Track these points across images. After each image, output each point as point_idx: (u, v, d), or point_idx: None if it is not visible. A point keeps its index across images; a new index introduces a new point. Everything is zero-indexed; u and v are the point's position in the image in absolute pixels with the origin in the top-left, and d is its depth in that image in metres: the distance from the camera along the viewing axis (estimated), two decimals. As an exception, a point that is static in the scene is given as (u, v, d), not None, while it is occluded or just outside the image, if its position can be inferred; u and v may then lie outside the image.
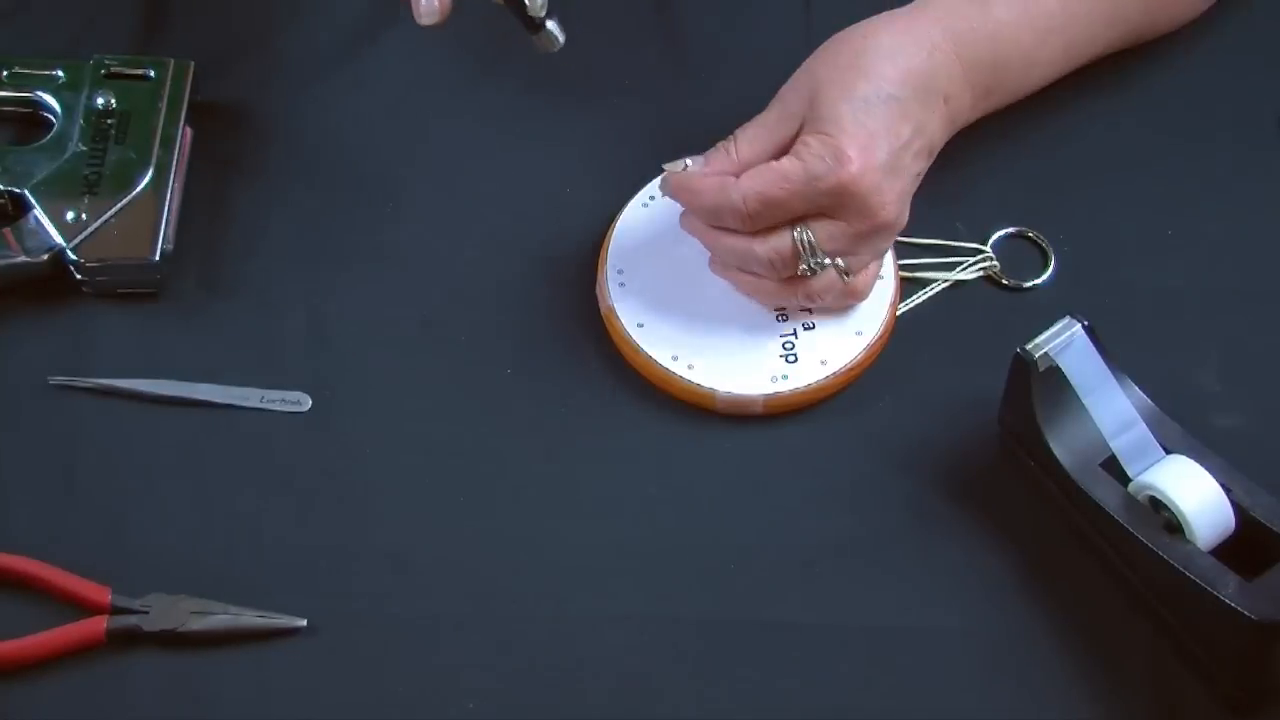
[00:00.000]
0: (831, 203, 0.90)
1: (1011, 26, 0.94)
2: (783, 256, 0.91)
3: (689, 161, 0.93)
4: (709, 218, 0.93)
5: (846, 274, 0.92)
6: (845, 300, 0.95)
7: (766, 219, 0.91)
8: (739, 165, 0.92)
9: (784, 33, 1.08)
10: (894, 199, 0.91)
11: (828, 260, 0.91)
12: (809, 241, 0.90)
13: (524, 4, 0.92)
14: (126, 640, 0.88)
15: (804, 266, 0.91)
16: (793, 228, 0.91)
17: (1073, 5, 0.96)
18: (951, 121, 0.94)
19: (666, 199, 1.00)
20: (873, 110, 0.90)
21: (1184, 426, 0.89)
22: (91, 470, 0.93)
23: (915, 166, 0.92)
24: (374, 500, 0.93)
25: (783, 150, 0.92)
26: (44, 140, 1.01)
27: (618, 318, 0.97)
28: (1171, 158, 1.03)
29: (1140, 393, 0.89)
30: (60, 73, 1.03)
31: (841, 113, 0.90)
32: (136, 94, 1.02)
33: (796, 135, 0.92)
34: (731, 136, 0.93)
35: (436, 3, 0.92)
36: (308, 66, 1.07)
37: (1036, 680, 0.88)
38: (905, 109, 0.91)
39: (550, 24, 0.93)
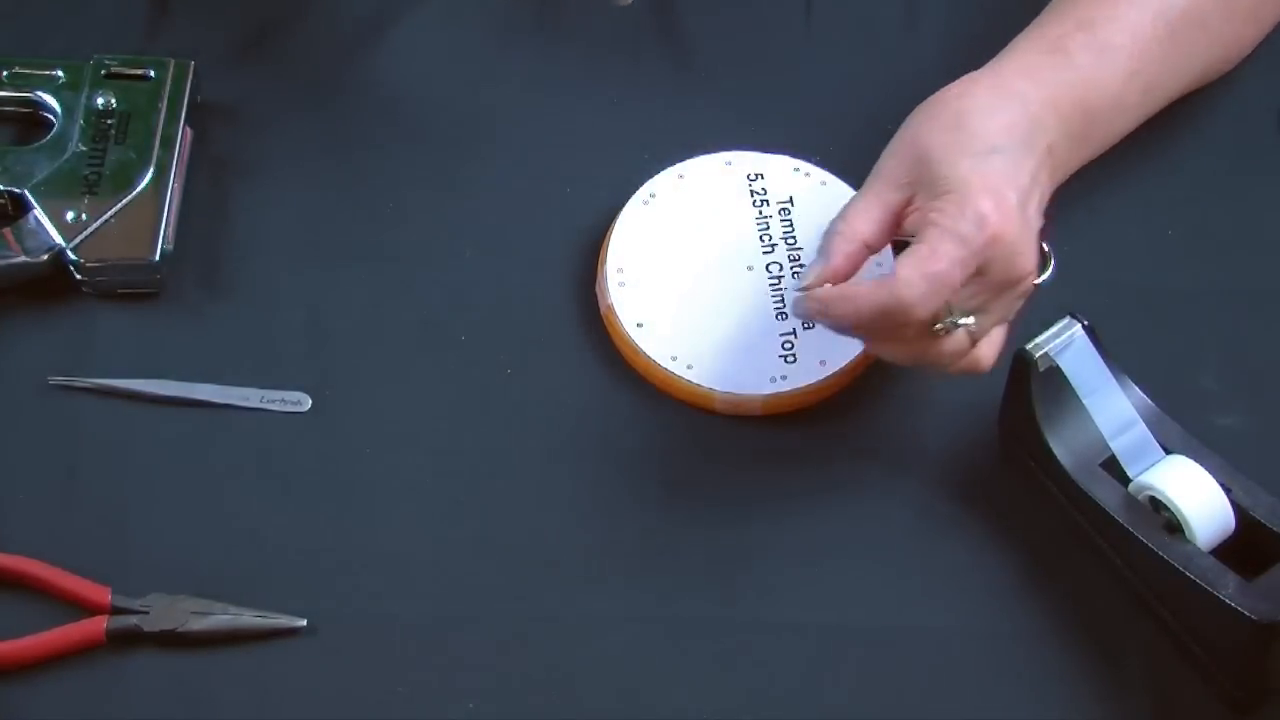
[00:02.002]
0: (981, 261, 0.87)
1: (1094, 70, 0.93)
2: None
3: (812, 272, 0.89)
4: (878, 322, 0.87)
5: (975, 338, 0.88)
6: (967, 370, 0.90)
7: (936, 301, 0.86)
8: (859, 243, 0.89)
9: (784, 33, 1.08)
10: (1032, 251, 0.88)
11: (964, 320, 0.87)
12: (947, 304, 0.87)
13: None
14: (126, 640, 0.88)
15: (940, 325, 0.87)
16: None
17: (1143, 45, 0.95)
18: (1054, 173, 0.92)
19: (667, 199, 1.00)
20: (990, 162, 0.88)
21: (1184, 426, 0.89)
22: (91, 470, 0.93)
23: (1037, 219, 0.90)
24: (374, 500, 0.93)
25: (897, 220, 0.89)
26: (44, 140, 1.01)
27: (617, 317, 0.97)
28: (1171, 158, 1.03)
29: (1140, 393, 0.89)
30: (60, 73, 1.03)
31: (963, 169, 0.87)
32: (136, 94, 1.02)
33: (907, 204, 0.89)
34: (839, 217, 0.90)
35: None
36: (308, 66, 1.07)
37: (1036, 680, 0.88)
38: (1017, 161, 0.89)
39: None
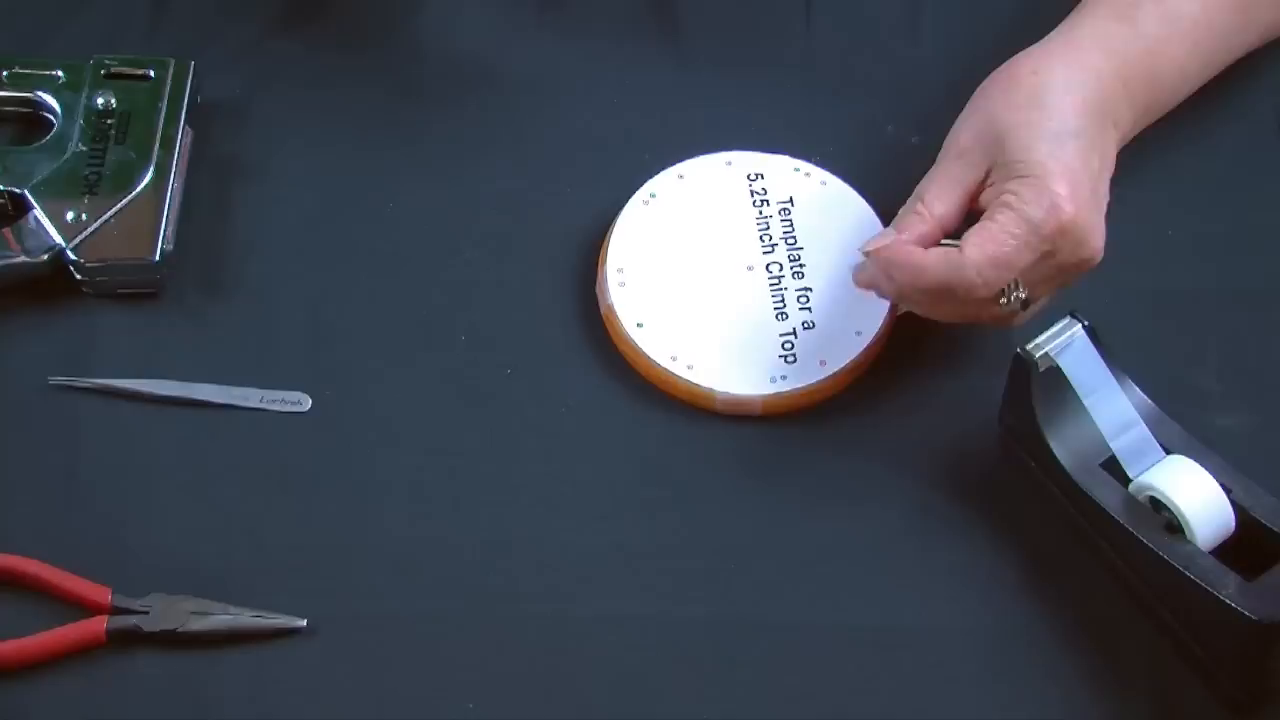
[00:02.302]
0: (1054, 246, 0.88)
1: (1162, 41, 0.94)
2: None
3: (880, 241, 0.90)
4: (936, 292, 0.88)
5: (1026, 305, 0.89)
6: (1000, 326, 0.91)
7: (999, 282, 0.88)
8: (936, 222, 0.90)
9: (784, 32, 1.08)
10: (1101, 231, 0.89)
11: (1024, 293, 0.89)
12: (1013, 280, 0.88)
13: None
14: (126, 640, 0.88)
15: (1004, 300, 0.88)
16: None
17: (1211, 14, 0.96)
18: (1119, 145, 0.93)
19: (667, 199, 1.00)
20: (1066, 146, 0.88)
21: (1184, 426, 0.89)
22: (91, 470, 0.93)
23: (1105, 196, 0.91)
24: (374, 500, 0.93)
25: (972, 198, 0.90)
26: (44, 140, 1.01)
27: (617, 317, 0.97)
28: (1171, 158, 1.03)
29: (1140, 393, 0.89)
30: (60, 73, 1.03)
31: (1040, 153, 0.88)
32: (136, 94, 1.02)
33: (983, 182, 0.90)
34: (915, 196, 0.91)
35: None
36: (308, 66, 1.07)
37: (1036, 680, 0.88)
38: (1091, 140, 0.90)
39: None
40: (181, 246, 0.99)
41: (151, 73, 1.03)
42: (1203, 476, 0.86)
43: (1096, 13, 0.95)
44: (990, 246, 0.87)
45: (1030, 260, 0.87)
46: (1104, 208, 0.90)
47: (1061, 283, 0.91)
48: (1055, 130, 0.89)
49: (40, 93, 1.03)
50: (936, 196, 0.90)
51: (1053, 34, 0.95)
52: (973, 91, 0.97)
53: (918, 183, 0.94)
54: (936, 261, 0.88)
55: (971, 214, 0.91)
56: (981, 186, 0.90)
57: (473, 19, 1.08)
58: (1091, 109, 0.91)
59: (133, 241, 0.97)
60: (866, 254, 0.91)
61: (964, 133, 0.92)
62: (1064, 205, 0.87)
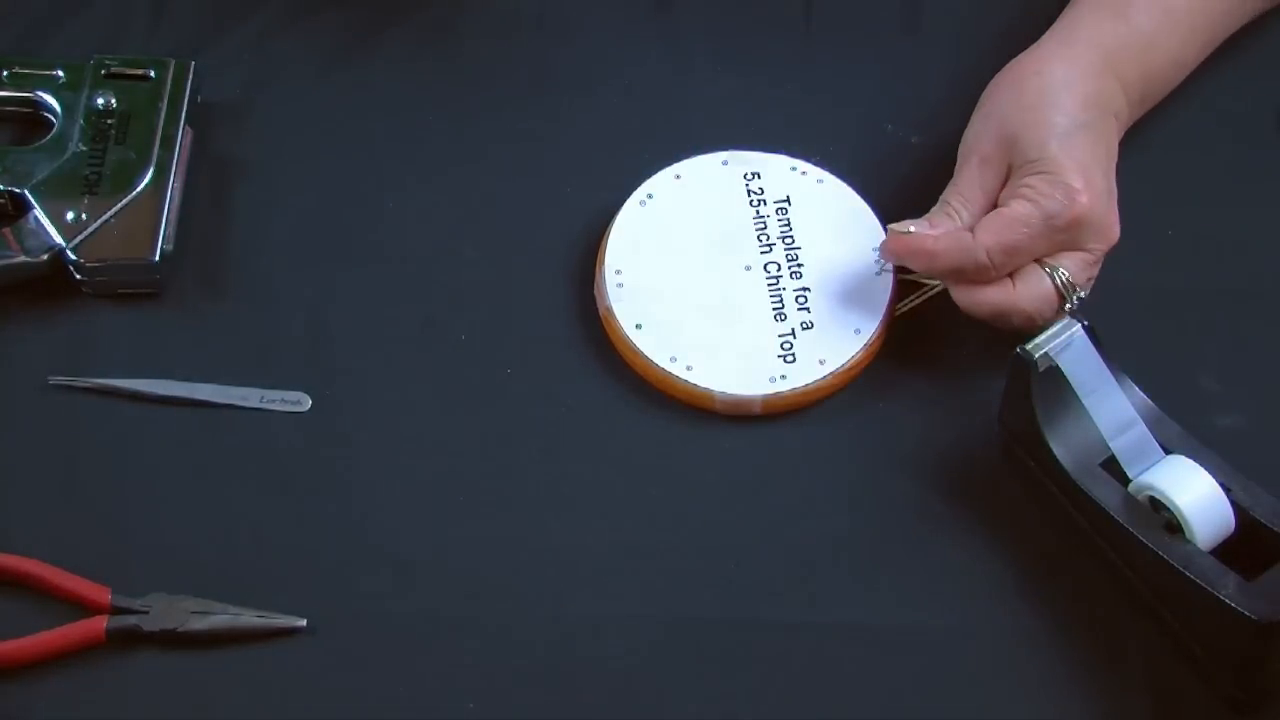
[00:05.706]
0: (1070, 236, 0.91)
1: (1156, 34, 0.97)
2: (1049, 303, 0.92)
3: (911, 226, 0.93)
4: (950, 277, 0.93)
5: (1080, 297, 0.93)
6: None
7: (1010, 266, 0.91)
8: (963, 224, 0.93)
9: (784, 33, 1.09)
10: (1115, 215, 0.93)
11: (1082, 292, 0.92)
12: (1067, 281, 0.91)
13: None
14: (126, 640, 0.88)
15: (1069, 305, 0.92)
16: (1044, 269, 0.91)
17: (1206, 1, 0.98)
18: (1119, 135, 0.96)
19: (664, 199, 1.00)
20: (1075, 140, 0.92)
21: (1184, 426, 0.89)
22: (91, 470, 0.93)
23: (1115, 185, 0.94)
24: (374, 500, 0.93)
25: (994, 199, 0.93)
26: (44, 140, 1.01)
27: (616, 318, 0.97)
28: (1171, 157, 1.03)
29: (1140, 393, 0.89)
30: (60, 73, 1.03)
31: (1053, 149, 0.91)
32: (136, 94, 1.02)
33: (1003, 181, 0.93)
34: (943, 203, 0.94)
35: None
36: (308, 66, 1.07)
37: (1036, 680, 0.88)
38: (1097, 133, 0.93)
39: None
40: (181, 246, 0.99)
41: (151, 73, 1.03)
42: (1202, 476, 0.86)
43: (1091, 9, 0.97)
44: (1004, 233, 0.91)
45: (1042, 248, 0.91)
46: (1115, 195, 0.93)
47: (1097, 270, 0.94)
48: (1064, 126, 0.92)
49: (40, 93, 1.03)
50: (962, 203, 0.94)
51: (1050, 32, 0.97)
52: (972, 91, 0.97)
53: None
54: (948, 247, 0.92)
55: None
56: (1001, 187, 0.93)
57: (471, 19, 1.08)
58: (1093, 103, 0.94)
59: (133, 241, 0.97)
60: (890, 229, 0.94)
61: (978, 138, 0.95)
62: (1079, 197, 0.91)
